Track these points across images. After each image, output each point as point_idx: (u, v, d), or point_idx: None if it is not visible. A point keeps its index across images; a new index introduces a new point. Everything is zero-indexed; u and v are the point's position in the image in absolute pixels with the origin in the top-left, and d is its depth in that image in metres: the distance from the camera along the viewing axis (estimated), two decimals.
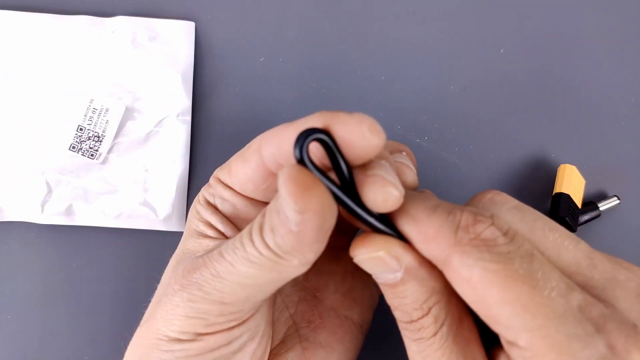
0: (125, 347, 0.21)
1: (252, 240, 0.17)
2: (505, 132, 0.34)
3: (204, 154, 0.33)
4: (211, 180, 0.22)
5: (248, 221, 0.21)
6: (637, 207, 0.33)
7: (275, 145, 0.18)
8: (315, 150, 0.16)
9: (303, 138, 0.15)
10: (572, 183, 0.32)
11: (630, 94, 0.35)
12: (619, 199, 0.33)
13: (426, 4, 0.35)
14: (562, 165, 0.33)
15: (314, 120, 0.17)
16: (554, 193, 0.32)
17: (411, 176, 0.19)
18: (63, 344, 0.30)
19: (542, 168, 0.34)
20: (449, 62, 0.35)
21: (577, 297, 0.15)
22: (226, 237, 0.21)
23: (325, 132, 0.16)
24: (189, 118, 0.32)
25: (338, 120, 0.16)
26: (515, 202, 0.18)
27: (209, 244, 0.21)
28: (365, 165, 0.17)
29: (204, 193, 0.22)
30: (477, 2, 0.36)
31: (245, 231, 0.17)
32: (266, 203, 0.21)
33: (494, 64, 0.35)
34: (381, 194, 0.16)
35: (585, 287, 0.16)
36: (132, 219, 0.31)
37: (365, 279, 0.25)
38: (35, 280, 0.31)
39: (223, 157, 0.21)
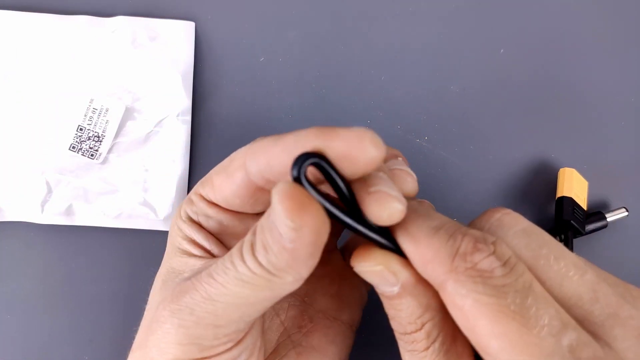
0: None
1: (243, 260, 0.16)
2: (506, 132, 0.34)
3: (204, 154, 0.33)
4: (192, 196, 0.21)
5: (235, 235, 0.21)
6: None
7: (264, 162, 0.18)
8: (311, 170, 0.16)
9: (300, 162, 0.15)
10: (573, 186, 0.32)
11: (631, 94, 0.35)
12: (627, 210, 0.32)
13: (426, 4, 0.35)
14: (561, 170, 0.32)
15: (307, 138, 0.16)
16: (556, 197, 0.32)
17: (412, 184, 0.19)
18: (63, 344, 0.30)
19: (542, 168, 0.34)
20: (449, 62, 0.35)
21: (570, 336, 0.15)
22: (212, 255, 0.20)
23: (321, 155, 0.16)
24: (189, 118, 0.32)
25: (337, 137, 0.16)
26: (524, 224, 0.17)
27: (195, 263, 0.20)
28: (363, 180, 0.16)
29: (186, 209, 0.21)
30: (477, 3, 0.36)
31: (234, 250, 0.17)
32: (255, 215, 0.21)
33: (493, 64, 0.35)
34: (386, 210, 0.16)
35: (584, 322, 0.16)
36: (132, 219, 0.31)
37: (353, 280, 0.24)
38: (35, 280, 0.31)
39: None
